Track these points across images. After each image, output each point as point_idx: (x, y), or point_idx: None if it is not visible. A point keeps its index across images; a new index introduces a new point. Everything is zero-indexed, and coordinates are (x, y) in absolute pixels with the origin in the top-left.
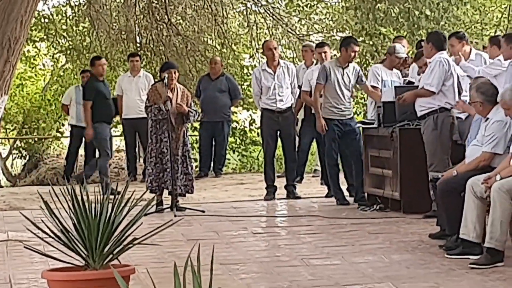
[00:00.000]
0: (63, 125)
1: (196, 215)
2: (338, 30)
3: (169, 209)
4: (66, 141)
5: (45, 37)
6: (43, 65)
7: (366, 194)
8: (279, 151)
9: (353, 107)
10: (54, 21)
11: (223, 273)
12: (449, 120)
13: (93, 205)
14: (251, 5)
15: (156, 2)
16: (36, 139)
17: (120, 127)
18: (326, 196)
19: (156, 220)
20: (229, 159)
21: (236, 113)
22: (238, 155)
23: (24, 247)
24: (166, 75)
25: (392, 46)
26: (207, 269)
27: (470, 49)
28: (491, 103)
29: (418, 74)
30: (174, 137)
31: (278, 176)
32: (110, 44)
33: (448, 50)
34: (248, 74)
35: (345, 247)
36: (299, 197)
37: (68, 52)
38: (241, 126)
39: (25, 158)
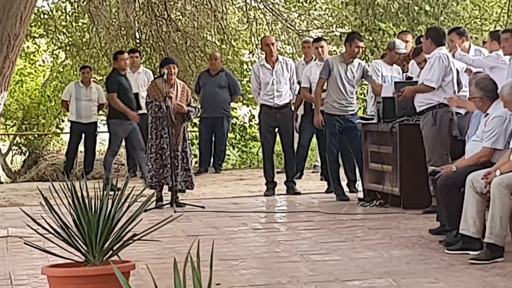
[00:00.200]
0: (62, 121)
1: (196, 211)
2: (338, 25)
3: (168, 205)
4: (66, 137)
5: (44, 33)
6: (43, 61)
7: (363, 188)
8: (278, 147)
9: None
10: (54, 17)
11: (223, 269)
12: (448, 116)
13: (93, 201)
14: (250, 1)
15: None
16: (36, 135)
17: None
18: (326, 192)
19: (156, 216)
20: (228, 155)
21: (235, 109)
22: (237, 151)
23: (24, 243)
24: (166, 71)
25: (392, 42)
26: (206, 265)
27: (470, 45)
28: (491, 98)
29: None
30: (174, 133)
31: (278, 172)
32: (109, 40)
33: (447, 46)
34: (248, 70)
35: (344, 242)
36: (298, 193)
37: (68, 48)
38: (240, 122)
39: (24, 154)
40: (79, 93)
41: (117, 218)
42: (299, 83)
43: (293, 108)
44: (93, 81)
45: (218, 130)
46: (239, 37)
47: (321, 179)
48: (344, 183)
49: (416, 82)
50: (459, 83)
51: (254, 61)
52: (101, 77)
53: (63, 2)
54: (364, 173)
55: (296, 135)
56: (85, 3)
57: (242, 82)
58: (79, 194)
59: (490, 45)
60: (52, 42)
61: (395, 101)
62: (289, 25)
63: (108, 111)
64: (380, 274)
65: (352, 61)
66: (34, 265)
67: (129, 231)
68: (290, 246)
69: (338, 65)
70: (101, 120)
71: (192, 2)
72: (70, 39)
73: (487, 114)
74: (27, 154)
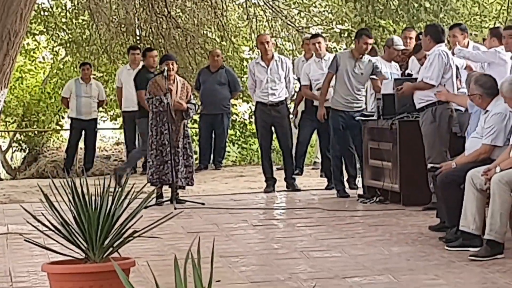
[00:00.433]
0: (62, 118)
1: (196, 207)
2: (338, 22)
3: (169, 202)
4: (66, 134)
5: (44, 30)
6: (43, 58)
7: (363, 185)
8: (277, 144)
9: None
10: (54, 14)
11: (223, 266)
12: (448, 113)
13: (93, 198)
14: None
15: None
16: (36, 132)
17: (120, 120)
18: (326, 188)
19: (156, 212)
20: (228, 152)
21: (235, 105)
22: (237, 148)
23: (24, 240)
24: (165, 67)
25: (390, 39)
26: (207, 262)
27: (468, 42)
28: (490, 95)
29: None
30: (174, 129)
31: (278, 169)
32: (109, 37)
33: (447, 42)
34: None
35: (345, 239)
36: (298, 190)
37: (68, 45)
38: (240, 118)
39: (25, 151)
40: (79, 90)
41: (117, 215)
42: (298, 79)
43: (289, 106)
44: (93, 77)
45: (218, 127)
46: (239, 34)
47: (321, 176)
48: (344, 179)
49: (415, 79)
50: (459, 78)
51: (254, 57)
52: (101, 74)
53: None
54: (364, 170)
55: (295, 132)
56: (85, 0)
57: (242, 79)
58: (79, 191)
59: (489, 41)
60: (52, 39)
61: (395, 98)
62: (289, 22)
63: (138, 109)
64: (380, 271)
65: (361, 58)
66: (34, 262)
67: (129, 228)
68: (290, 243)
69: (346, 60)
70: (101, 117)
71: None
72: (70, 36)
73: (487, 111)
74: (27, 151)
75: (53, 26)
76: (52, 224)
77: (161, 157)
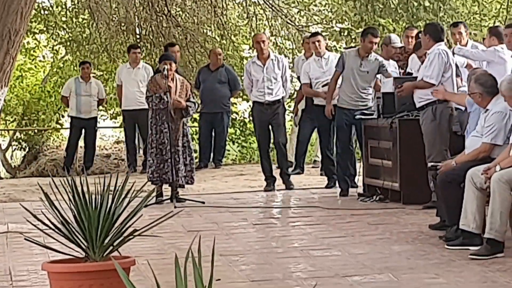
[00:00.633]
0: (62, 116)
1: (196, 206)
2: (338, 21)
3: (169, 201)
4: (66, 133)
5: (44, 28)
6: (43, 56)
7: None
8: None
9: None
10: (54, 12)
11: (223, 264)
12: (448, 111)
13: (93, 196)
14: None
15: None
16: (35, 130)
17: (120, 118)
18: (326, 187)
19: (156, 211)
20: (228, 150)
21: (235, 104)
22: (237, 146)
23: (24, 239)
24: (165, 66)
25: (387, 37)
26: (207, 261)
27: (467, 40)
28: (490, 94)
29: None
30: (174, 128)
31: (278, 167)
32: (109, 35)
33: (447, 40)
34: None
35: (345, 238)
36: (292, 188)
37: (68, 43)
38: (240, 117)
39: (24, 150)
40: (79, 88)
41: (117, 213)
42: (298, 78)
43: (285, 104)
44: (93, 76)
45: (218, 125)
46: (239, 33)
47: (321, 174)
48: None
49: (415, 77)
50: (460, 76)
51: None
52: (101, 73)
53: None
54: (364, 168)
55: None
56: None
57: (242, 78)
58: (79, 189)
59: (489, 40)
60: (52, 38)
61: (395, 96)
62: (288, 21)
63: None
64: (380, 270)
65: (368, 56)
66: (34, 261)
67: (129, 226)
68: (290, 242)
69: (352, 59)
70: (101, 116)
71: None
72: (70, 34)
73: (487, 109)
74: (27, 149)
75: (53, 25)
76: (52, 223)
77: (161, 155)
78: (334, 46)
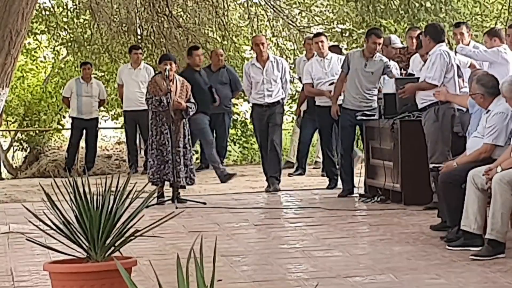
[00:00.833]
0: (64, 117)
1: (197, 207)
2: (339, 22)
3: (170, 201)
4: (67, 133)
5: (46, 29)
6: (44, 57)
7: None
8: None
9: None
10: (55, 13)
11: (224, 265)
12: (450, 112)
13: (94, 197)
14: None
15: None
16: (37, 131)
17: (121, 119)
18: (327, 188)
19: (158, 212)
20: (230, 151)
21: (237, 105)
22: (239, 147)
23: (26, 239)
24: (165, 67)
25: (387, 37)
26: (208, 261)
27: (469, 41)
28: (492, 94)
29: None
30: (174, 129)
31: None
32: (111, 36)
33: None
34: None
35: (346, 238)
36: (278, 190)
37: (69, 44)
38: (242, 118)
39: (26, 151)
40: (80, 89)
41: (119, 214)
42: (299, 79)
43: (290, 105)
44: (94, 77)
45: (219, 126)
46: (240, 34)
47: (322, 175)
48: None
49: (417, 78)
50: (462, 77)
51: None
52: (102, 73)
53: None
54: (365, 169)
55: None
56: None
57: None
58: (81, 190)
59: (490, 42)
60: (54, 39)
61: (396, 97)
62: (290, 22)
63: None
64: (381, 270)
65: (373, 57)
66: (36, 261)
67: (131, 227)
68: (292, 242)
69: (357, 59)
70: (102, 116)
71: None
72: (72, 35)
73: (488, 110)
74: (28, 150)
75: (55, 26)
76: (53, 223)
77: (162, 156)
78: (334, 45)
